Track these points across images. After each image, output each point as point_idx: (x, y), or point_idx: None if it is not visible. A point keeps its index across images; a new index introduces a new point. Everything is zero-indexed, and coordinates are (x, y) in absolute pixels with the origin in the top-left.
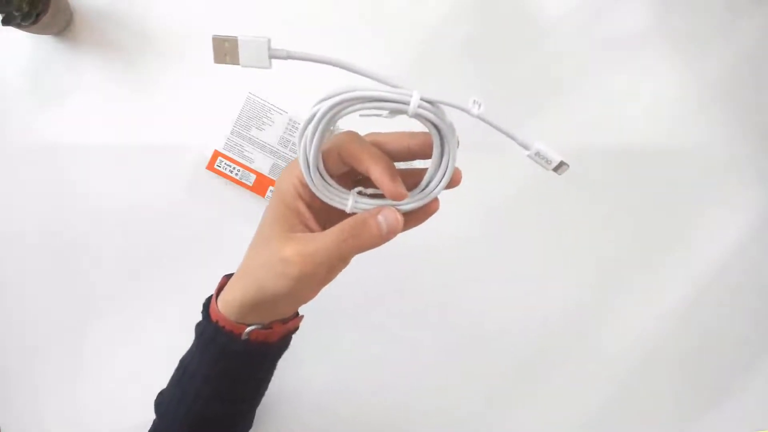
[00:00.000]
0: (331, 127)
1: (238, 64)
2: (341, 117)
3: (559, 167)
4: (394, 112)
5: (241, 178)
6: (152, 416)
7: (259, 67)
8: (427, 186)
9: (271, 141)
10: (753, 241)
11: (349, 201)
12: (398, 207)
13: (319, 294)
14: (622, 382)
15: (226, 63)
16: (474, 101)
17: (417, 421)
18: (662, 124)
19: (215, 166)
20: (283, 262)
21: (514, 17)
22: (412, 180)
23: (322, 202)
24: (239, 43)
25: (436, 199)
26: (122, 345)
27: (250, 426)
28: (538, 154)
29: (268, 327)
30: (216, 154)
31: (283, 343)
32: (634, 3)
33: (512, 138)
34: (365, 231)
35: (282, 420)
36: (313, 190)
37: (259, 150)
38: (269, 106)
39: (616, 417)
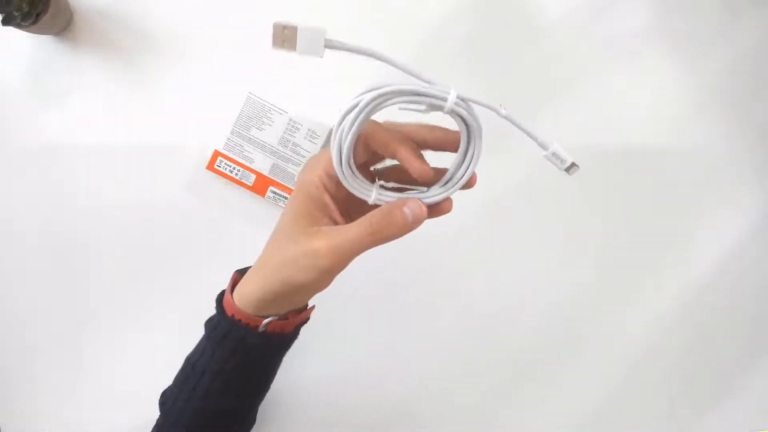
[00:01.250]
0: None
1: (295, 51)
2: (380, 110)
3: (571, 168)
4: (431, 108)
5: (241, 178)
6: (153, 416)
7: (313, 56)
8: (449, 181)
9: (271, 141)
10: (752, 240)
11: (372, 193)
12: (422, 200)
13: (325, 290)
14: (622, 381)
15: (282, 48)
16: (501, 104)
17: (422, 415)
18: (662, 124)
19: (215, 166)
20: (314, 255)
21: (513, 17)
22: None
23: (346, 194)
24: (299, 31)
25: (449, 200)
26: (122, 345)
27: (254, 421)
28: (554, 154)
29: (284, 318)
30: (216, 154)
31: (295, 334)
32: (634, 3)
33: (533, 138)
34: (392, 221)
35: (287, 414)
36: (342, 179)
37: (259, 150)
38: (269, 106)
39: (616, 417)
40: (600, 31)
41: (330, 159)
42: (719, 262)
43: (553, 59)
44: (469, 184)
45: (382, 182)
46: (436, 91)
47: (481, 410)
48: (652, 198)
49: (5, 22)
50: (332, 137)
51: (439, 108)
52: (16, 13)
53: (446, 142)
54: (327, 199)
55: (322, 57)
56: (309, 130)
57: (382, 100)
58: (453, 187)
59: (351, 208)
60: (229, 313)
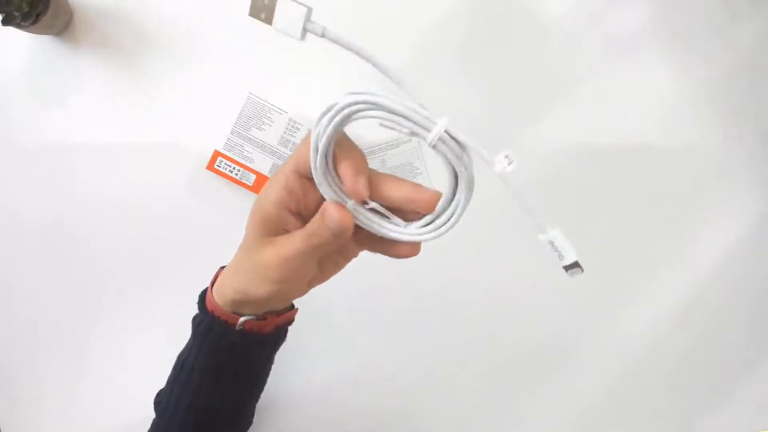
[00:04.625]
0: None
1: (271, 24)
2: (358, 118)
3: (572, 267)
4: (413, 134)
5: (241, 178)
6: (152, 415)
7: (289, 36)
8: (429, 224)
9: (271, 141)
10: (751, 241)
11: (349, 202)
12: (376, 229)
13: (318, 292)
14: (621, 381)
15: (259, 19)
16: (506, 156)
17: (421, 416)
18: (661, 124)
19: (215, 166)
20: (265, 267)
21: (513, 18)
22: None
23: (309, 210)
24: (278, 3)
25: (416, 246)
26: (123, 345)
27: (250, 422)
28: (552, 243)
29: (261, 318)
30: (216, 154)
31: (279, 335)
32: (634, 4)
33: (530, 216)
34: (323, 227)
35: (283, 417)
36: (315, 177)
37: (259, 150)
38: (269, 106)
39: (615, 417)
40: (599, 31)
41: (288, 175)
42: (718, 262)
43: (552, 60)
44: (408, 253)
45: (373, 205)
46: (421, 117)
47: (481, 411)
48: (651, 198)
49: (5, 22)
50: (312, 134)
51: (422, 137)
52: (16, 13)
53: (416, 206)
54: (285, 215)
55: (300, 39)
56: (309, 130)
57: (359, 108)
58: (429, 233)
59: None
60: (209, 309)
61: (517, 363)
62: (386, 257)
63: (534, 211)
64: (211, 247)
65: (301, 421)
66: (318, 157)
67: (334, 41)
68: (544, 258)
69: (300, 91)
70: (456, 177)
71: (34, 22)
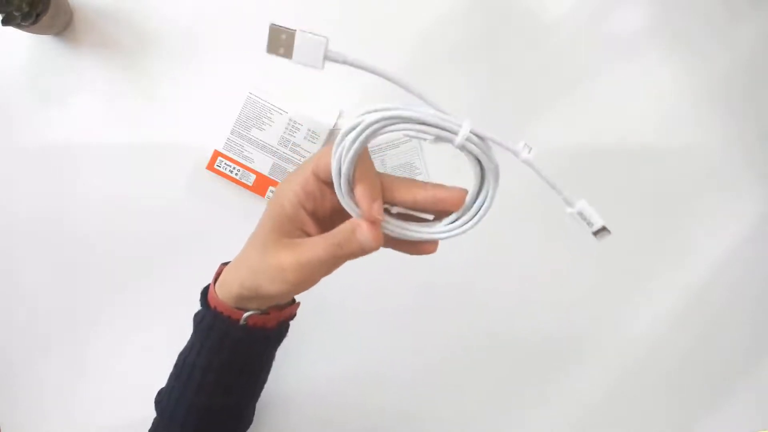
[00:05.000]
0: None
1: (291, 58)
2: (382, 134)
3: (600, 232)
4: (440, 140)
5: (241, 178)
6: (153, 414)
7: (311, 67)
8: (455, 221)
9: (271, 141)
10: (751, 241)
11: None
12: (408, 234)
13: (318, 290)
14: (621, 382)
15: (278, 55)
16: (525, 144)
17: (421, 416)
18: (661, 124)
19: (215, 166)
20: (281, 269)
21: (513, 18)
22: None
23: (326, 212)
24: (297, 36)
25: (435, 243)
26: (123, 344)
27: (250, 421)
28: (581, 214)
29: (265, 312)
30: (216, 154)
31: (282, 330)
32: (634, 4)
33: (558, 192)
34: (352, 242)
35: (283, 416)
36: (340, 197)
37: (259, 150)
38: (269, 106)
39: (616, 417)
40: (599, 31)
41: (308, 177)
42: (718, 261)
43: (552, 60)
44: (425, 250)
45: (386, 205)
46: (448, 123)
47: (481, 410)
48: (651, 198)
49: (5, 22)
50: (332, 156)
51: (449, 141)
52: (16, 13)
53: (439, 204)
54: (302, 215)
55: (322, 69)
56: (309, 130)
57: (385, 123)
58: (456, 230)
59: (336, 223)
60: (212, 305)
61: (517, 363)
62: (396, 252)
63: (561, 188)
64: (211, 247)
65: (301, 420)
66: (342, 180)
67: (357, 66)
68: (543, 258)
69: (300, 91)
70: (482, 171)
71: (34, 22)
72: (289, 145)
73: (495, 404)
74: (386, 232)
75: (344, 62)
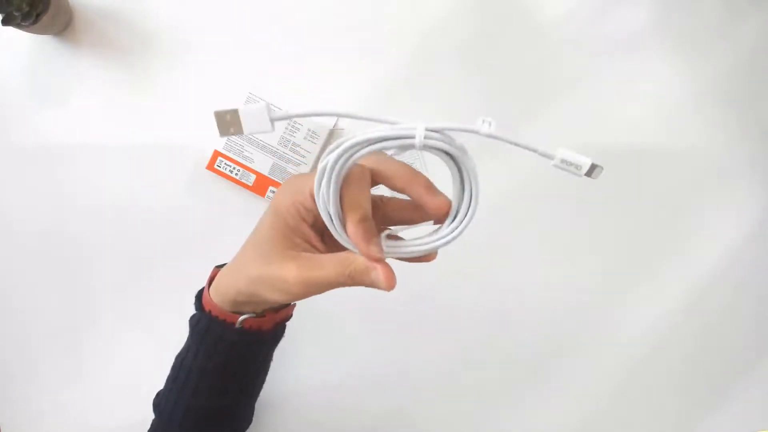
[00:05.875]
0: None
1: (243, 133)
2: (352, 163)
3: (592, 171)
4: (403, 148)
5: (241, 178)
6: (152, 416)
7: (263, 132)
8: (454, 220)
9: (271, 141)
10: (753, 241)
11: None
12: (421, 246)
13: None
14: (622, 382)
15: (230, 135)
16: (483, 120)
17: (421, 417)
18: (662, 124)
19: (215, 166)
20: (284, 281)
21: (513, 18)
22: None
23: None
24: (240, 113)
25: (434, 252)
26: (122, 345)
27: (249, 421)
28: (564, 161)
29: (260, 315)
30: (216, 154)
31: (278, 332)
32: (634, 4)
33: (533, 150)
34: (365, 278)
35: (282, 417)
36: (338, 238)
37: (259, 150)
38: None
39: (616, 417)
40: (600, 31)
41: (307, 196)
42: (720, 262)
43: (553, 60)
44: (426, 260)
45: (389, 231)
46: (402, 131)
47: (481, 411)
48: (652, 198)
49: (5, 22)
50: (318, 204)
51: (411, 146)
52: (16, 13)
53: (429, 214)
54: (304, 227)
55: (272, 131)
56: (309, 130)
57: (347, 155)
58: (459, 227)
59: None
60: (206, 308)
61: (517, 363)
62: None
63: (535, 145)
64: (211, 247)
65: (300, 420)
66: (334, 220)
67: (301, 116)
68: (543, 258)
69: (300, 91)
70: (456, 163)
71: (34, 22)
72: (289, 145)
73: (495, 404)
74: (389, 255)
75: (288, 117)
